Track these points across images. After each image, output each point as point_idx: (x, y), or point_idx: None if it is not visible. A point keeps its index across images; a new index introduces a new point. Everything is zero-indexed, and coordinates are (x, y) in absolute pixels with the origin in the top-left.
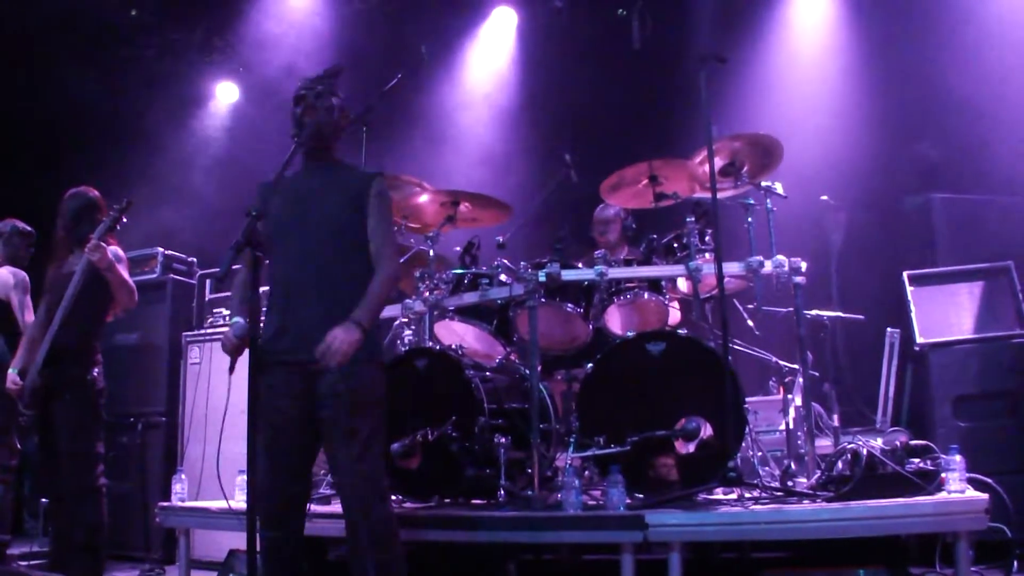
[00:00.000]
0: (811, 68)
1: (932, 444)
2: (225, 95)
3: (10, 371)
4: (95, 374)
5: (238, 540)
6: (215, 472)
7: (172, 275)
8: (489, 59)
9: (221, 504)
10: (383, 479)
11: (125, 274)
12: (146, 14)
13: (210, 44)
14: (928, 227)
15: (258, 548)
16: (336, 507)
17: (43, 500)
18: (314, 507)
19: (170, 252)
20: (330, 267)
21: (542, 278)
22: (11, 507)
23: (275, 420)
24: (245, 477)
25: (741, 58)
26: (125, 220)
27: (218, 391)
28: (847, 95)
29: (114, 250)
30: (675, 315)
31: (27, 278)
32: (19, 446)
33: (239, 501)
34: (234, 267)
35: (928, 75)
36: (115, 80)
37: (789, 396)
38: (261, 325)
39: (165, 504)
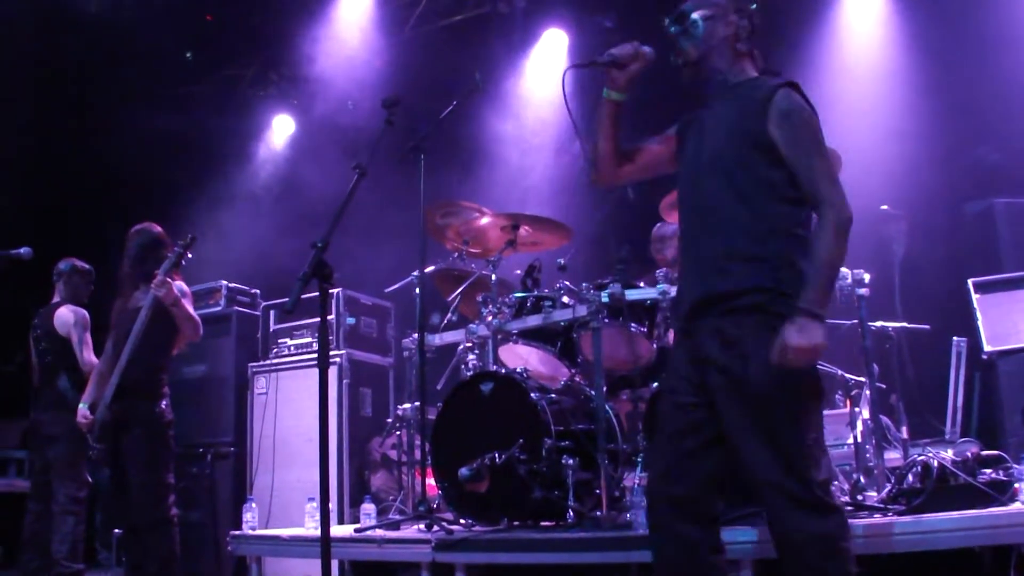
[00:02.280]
0: (865, 76)
1: (1004, 454)
2: (282, 128)
3: (80, 406)
4: (163, 407)
5: (309, 567)
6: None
7: (236, 307)
8: (542, 81)
9: (292, 531)
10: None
11: (190, 308)
12: (201, 54)
13: (265, 78)
14: (991, 233)
15: None
16: (406, 532)
17: (116, 532)
18: (383, 532)
19: (234, 285)
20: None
21: (605, 299)
22: (83, 538)
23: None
24: (316, 504)
25: (794, 69)
26: (190, 255)
27: (285, 420)
28: (903, 101)
29: (179, 285)
30: None
31: (87, 316)
32: (89, 479)
33: (310, 528)
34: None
35: (985, 78)
36: (173, 117)
37: (856, 409)
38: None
39: (236, 532)
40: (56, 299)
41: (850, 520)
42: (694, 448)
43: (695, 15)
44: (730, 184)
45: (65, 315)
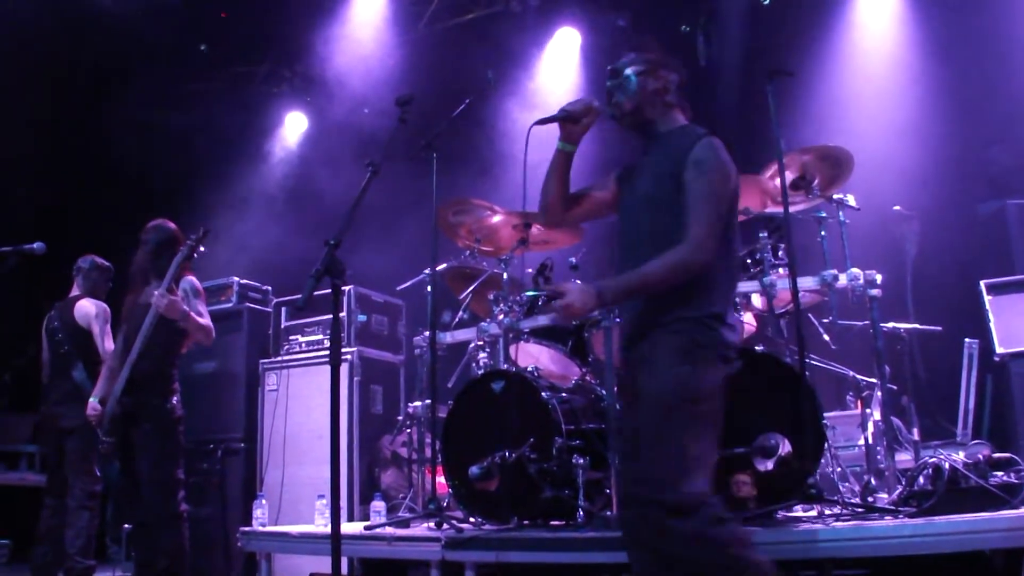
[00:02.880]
0: (878, 77)
1: (1015, 456)
2: (295, 125)
3: (91, 399)
4: (174, 402)
5: (318, 564)
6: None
7: (248, 304)
8: (555, 80)
9: (302, 528)
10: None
11: (199, 318)
12: (215, 51)
13: (278, 76)
14: (1003, 234)
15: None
16: (416, 530)
17: (126, 526)
18: (393, 530)
19: (245, 281)
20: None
21: None
22: (95, 533)
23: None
24: (325, 501)
25: (807, 70)
26: (202, 249)
27: (295, 417)
28: (916, 102)
29: (191, 281)
30: (749, 327)
31: (108, 309)
32: (99, 473)
33: (319, 526)
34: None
35: (999, 78)
36: (185, 114)
37: (867, 410)
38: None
39: (247, 529)
40: (75, 292)
41: (861, 522)
42: None
43: (628, 71)
44: (653, 224)
45: (86, 307)
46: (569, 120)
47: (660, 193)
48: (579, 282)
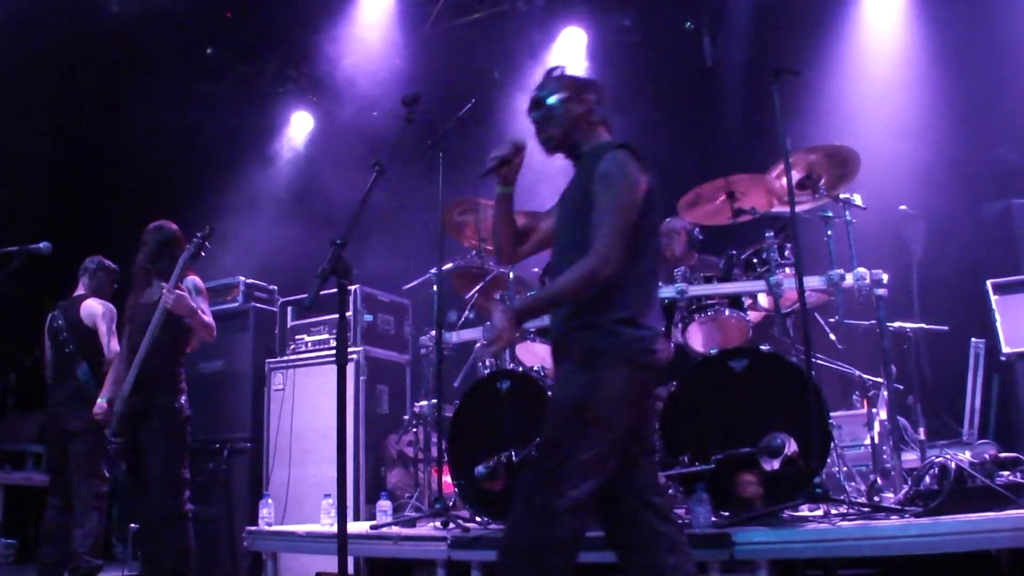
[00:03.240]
0: (884, 76)
1: (1022, 456)
2: (300, 124)
3: (99, 399)
4: (182, 401)
5: (324, 563)
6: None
7: (254, 303)
8: None
9: (308, 527)
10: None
11: (205, 310)
12: (221, 51)
13: (284, 75)
14: (1010, 233)
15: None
16: (422, 530)
17: (132, 526)
18: (399, 530)
19: (251, 281)
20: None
21: None
22: (103, 533)
23: None
24: (331, 500)
25: (813, 69)
26: (208, 246)
27: (301, 416)
28: (922, 102)
29: (193, 280)
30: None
31: (114, 309)
32: (107, 474)
33: (325, 525)
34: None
35: (1006, 78)
36: (192, 114)
37: (874, 410)
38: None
39: (253, 528)
40: (80, 292)
41: (867, 522)
42: None
43: (552, 100)
44: (573, 242)
45: (93, 306)
46: (504, 165)
47: (577, 213)
48: (501, 307)
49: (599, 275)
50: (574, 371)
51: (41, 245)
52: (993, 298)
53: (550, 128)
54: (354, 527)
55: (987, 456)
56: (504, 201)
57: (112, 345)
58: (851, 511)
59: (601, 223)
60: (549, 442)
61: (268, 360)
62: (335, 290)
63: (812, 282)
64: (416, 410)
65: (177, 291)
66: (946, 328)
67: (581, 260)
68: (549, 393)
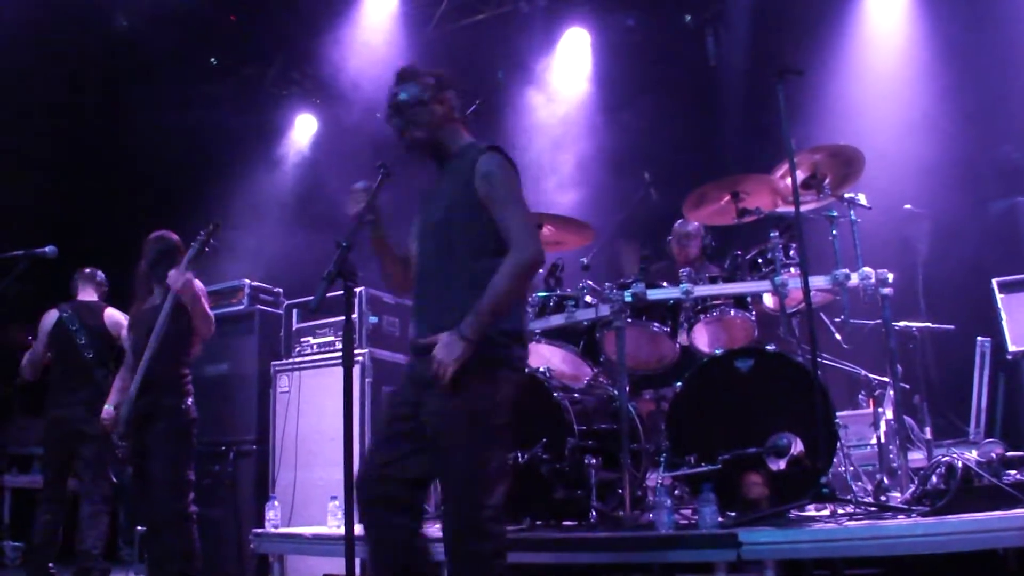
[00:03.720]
0: (888, 75)
1: None
2: (305, 127)
3: (106, 407)
4: (188, 403)
5: (331, 565)
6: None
7: (259, 306)
8: (564, 80)
9: (315, 530)
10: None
11: (206, 306)
12: (224, 54)
13: (287, 77)
14: (1015, 232)
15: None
16: (428, 531)
17: (139, 528)
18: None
19: (257, 283)
20: (446, 279)
21: (628, 298)
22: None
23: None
24: (338, 503)
25: (818, 68)
26: (214, 242)
27: (307, 419)
28: (926, 100)
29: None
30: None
31: None
32: (114, 479)
33: (332, 527)
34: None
35: (1010, 76)
36: (195, 116)
37: (880, 409)
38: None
39: (259, 531)
40: (93, 298)
41: (874, 521)
42: (408, 451)
43: (413, 102)
44: (451, 246)
45: (117, 316)
46: (371, 213)
47: (455, 216)
48: (443, 335)
49: (532, 262)
50: (470, 380)
51: (47, 249)
52: (999, 297)
53: (415, 131)
54: (360, 529)
55: (994, 455)
56: (378, 243)
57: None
58: (858, 511)
59: (509, 218)
60: (458, 457)
61: (273, 363)
62: (341, 292)
63: (817, 282)
64: None
65: (187, 275)
66: (952, 327)
67: (508, 259)
68: (556, 395)
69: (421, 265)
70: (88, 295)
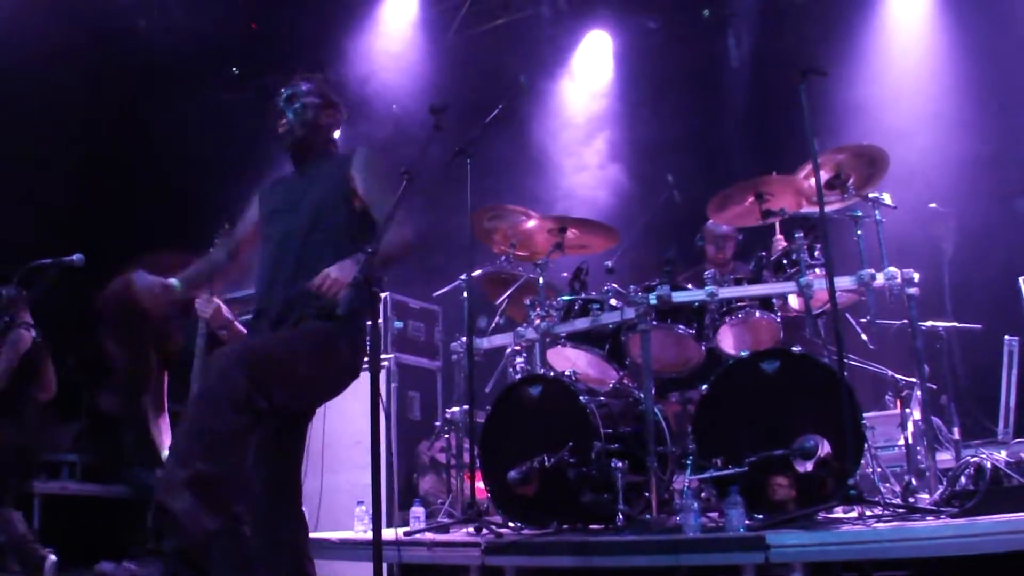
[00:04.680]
0: (911, 73)
1: None
2: None
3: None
4: None
5: (358, 570)
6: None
7: None
8: (587, 83)
9: (341, 534)
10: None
11: (239, 326)
12: (245, 62)
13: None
14: None
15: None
16: (455, 535)
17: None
18: (432, 536)
19: None
20: (311, 249)
21: (653, 301)
22: None
23: None
24: (365, 507)
25: (840, 68)
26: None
27: (332, 423)
28: (949, 97)
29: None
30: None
31: None
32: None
33: (359, 532)
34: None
35: None
36: (219, 125)
37: (907, 410)
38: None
39: None
40: None
41: (903, 523)
42: None
43: (307, 100)
44: (324, 228)
45: None
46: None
47: (329, 199)
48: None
49: (410, 242)
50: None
51: (74, 257)
52: None
53: (298, 126)
54: (387, 533)
55: (1023, 455)
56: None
57: None
58: (886, 512)
59: (386, 202)
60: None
61: None
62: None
63: (843, 282)
64: (447, 416)
65: (214, 300)
66: (979, 326)
67: (397, 228)
68: (582, 398)
69: (285, 245)
70: None
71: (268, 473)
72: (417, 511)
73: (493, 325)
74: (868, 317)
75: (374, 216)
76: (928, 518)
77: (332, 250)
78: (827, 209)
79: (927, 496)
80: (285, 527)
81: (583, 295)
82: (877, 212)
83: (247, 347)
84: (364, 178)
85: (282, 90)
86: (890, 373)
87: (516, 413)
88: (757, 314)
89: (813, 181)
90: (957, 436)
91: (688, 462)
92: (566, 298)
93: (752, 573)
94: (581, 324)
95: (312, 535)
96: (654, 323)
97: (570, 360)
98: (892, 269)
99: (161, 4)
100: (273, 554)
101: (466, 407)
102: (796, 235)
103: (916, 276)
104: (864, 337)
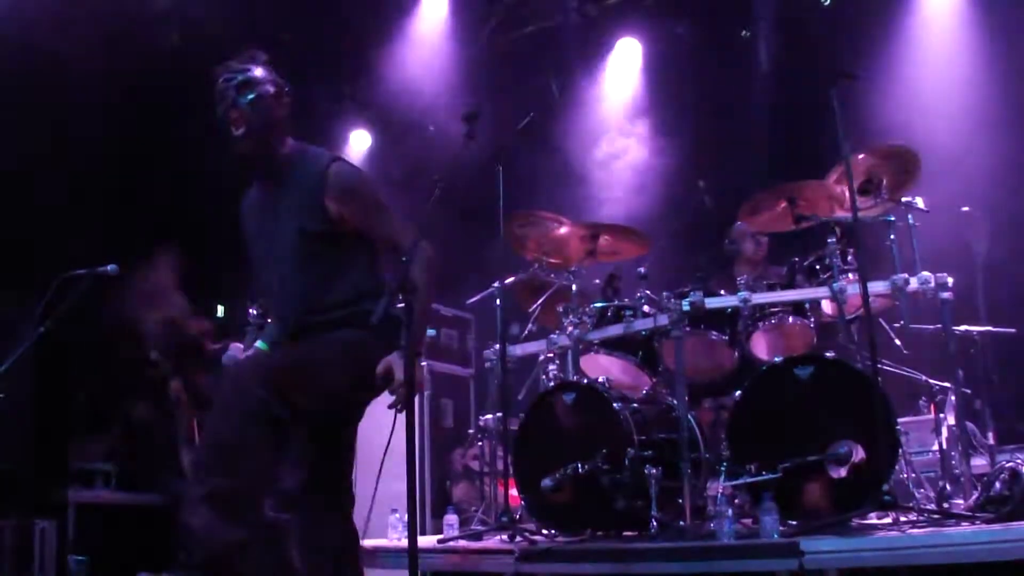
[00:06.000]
0: (943, 75)
1: None
2: (359, 142)
3: None
4: None
5: None
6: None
7: None
8: (618, 90)
9: (376, 542)
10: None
11: None
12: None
13: (340, 94)
14: None
15: None
16: (489, 543)
17: None
18: (465, 543)
19: None
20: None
21: (686, 307)
22: None
23: None
24: (399, 515)
25: (871, 71)
26: None
27: (365, 431)
28: (981, 99)
29: None
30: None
31: None
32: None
33: (393, 540)
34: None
35: None
36: None
37: (941, 415)
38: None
39: None
40: None
41: (938, 529)
42: None
43: (263, 89)
44: (305, 255)
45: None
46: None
47: (308, 225)
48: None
49: (433, 260)
50: None
51: (108, 267)
52: None
53: (254, 120)
54: (421, 541)
55: None
56: None
57: None
58: (921, 518)
59: (387, 226)
60: None
61: None
62: (401, 305)
63: (876, 287)
64: (481, 423)
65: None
66: (1013, 331)
67: (414, 262)
68: (615, 405)
69: (275, 272)
70: None
71: (310, 479)
72: (451, 519)
73: (526, 332)
74: (902, 322)
75: (373, 239)
76: (963, 524)
77: (329, 258)
78: (860, 214)
79: (962, 502)
80: (330, 535)
81: (616, 301)
82: (910, 216)
83: (263, 359)
84: (352, 211)
85: (228, 75)
86: (924, 378)
87: (549, 420)
88: (790, 319)
89: (845, 186)
90: (992, 441)
91: (722, 468)
92: (599, 305)
93: None
94: (614, 331)
95: None
96: (687, 329)
97: (603, 367)
98: (925, 273)
99: (191, 17)
100: (316, 562)
101: (499, 414)
102: (828, 240)
103: (950, 280)
104: (898, 342)
